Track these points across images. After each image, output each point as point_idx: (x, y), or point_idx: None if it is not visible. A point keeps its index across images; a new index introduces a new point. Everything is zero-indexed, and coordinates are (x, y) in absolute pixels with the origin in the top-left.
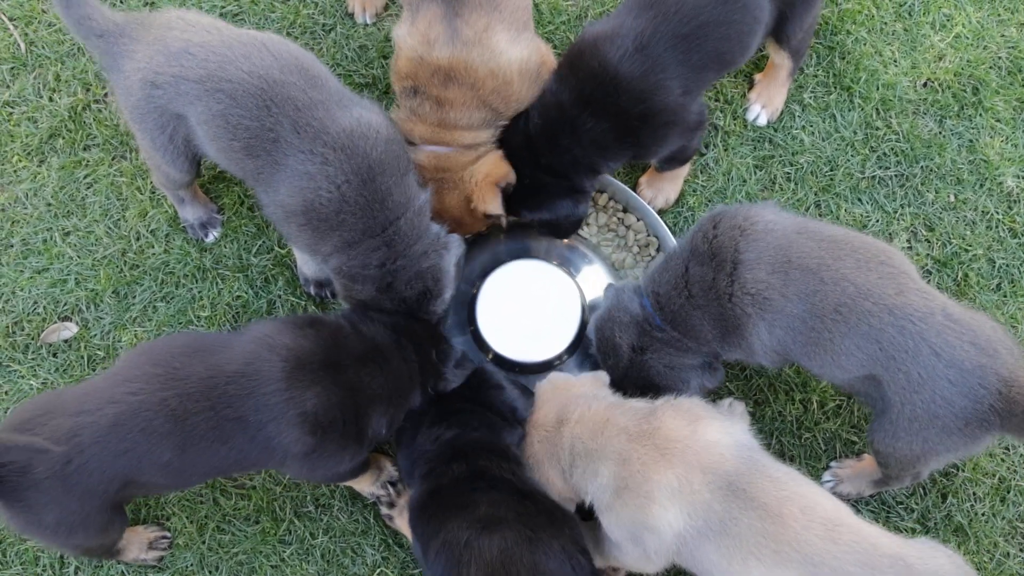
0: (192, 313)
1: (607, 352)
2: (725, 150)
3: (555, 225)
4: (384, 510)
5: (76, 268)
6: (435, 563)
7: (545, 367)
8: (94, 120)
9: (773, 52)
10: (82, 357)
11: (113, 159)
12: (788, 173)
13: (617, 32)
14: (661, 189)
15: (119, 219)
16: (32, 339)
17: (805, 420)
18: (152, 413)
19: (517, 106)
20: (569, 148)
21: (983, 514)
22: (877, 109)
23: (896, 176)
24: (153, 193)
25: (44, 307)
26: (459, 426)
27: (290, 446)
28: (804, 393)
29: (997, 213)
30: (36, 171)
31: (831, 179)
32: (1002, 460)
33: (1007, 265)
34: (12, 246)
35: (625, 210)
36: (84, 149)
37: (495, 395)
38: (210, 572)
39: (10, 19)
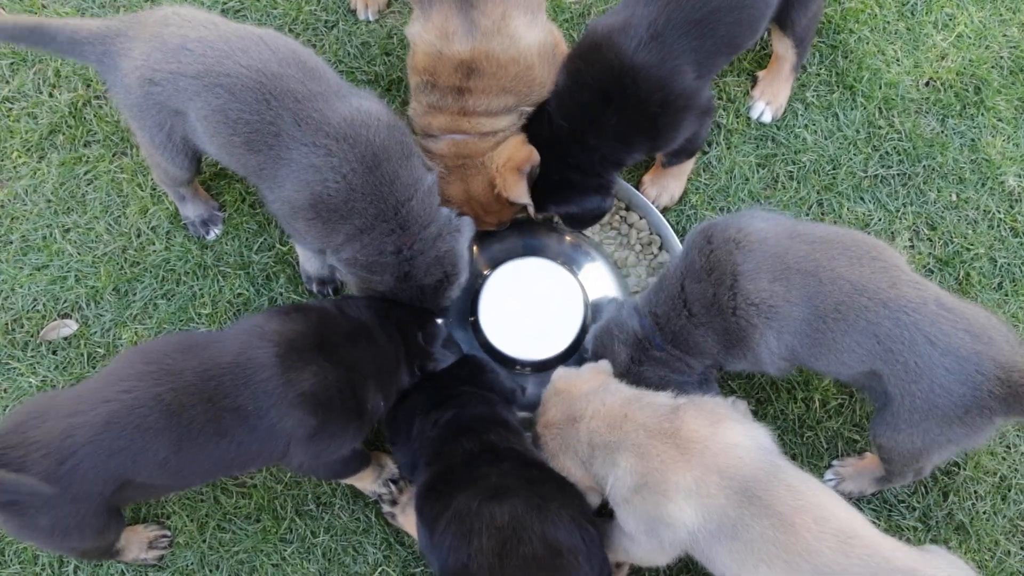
0: (193, 311)
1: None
2: (728, 148)
3: (579, 218)
4: (386, 508)
5: (76, 265)
6: (443, 536)
7: (542, 366)
8: (94, 116)
9: (777, 41)
10: (82, 355)
11: (114, 155)
12: (791, 171)
13: (629, 23)
14: (666, 187)
15: (119, 216)
16: (32, 336)
17: (807, 418)
18: (146, 409)
19: (540, 90)
20: (597, 147)
21: (984, 512)
22: (879, 108)
23: (898, 175)
24: (154, 190)
25: (44, 304)
26: (456, 406)
27: (294, 429)
28: (806, 391)
29: (999, 212)
30: (36, 167)
31: (833, 178)
32: (1003, 459)
33: (1008, 264)
34: (12, 243)
35: (628, 208)
36: (84, 145)
37: (492, 379)
38: (211, 571)
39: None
